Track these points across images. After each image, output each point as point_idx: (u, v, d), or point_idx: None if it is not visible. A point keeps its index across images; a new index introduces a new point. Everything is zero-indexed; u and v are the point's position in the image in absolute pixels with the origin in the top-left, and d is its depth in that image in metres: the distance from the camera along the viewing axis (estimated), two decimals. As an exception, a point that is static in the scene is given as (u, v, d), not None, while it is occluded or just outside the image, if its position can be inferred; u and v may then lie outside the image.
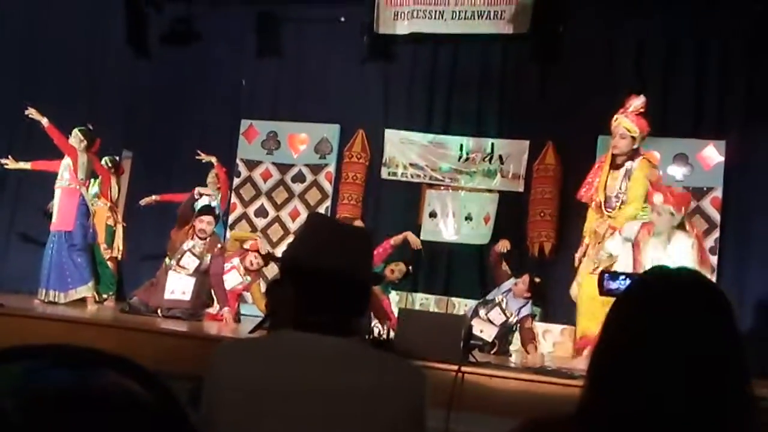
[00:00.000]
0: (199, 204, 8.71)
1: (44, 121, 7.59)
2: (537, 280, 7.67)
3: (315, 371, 1.70)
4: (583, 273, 6.42)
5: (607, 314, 1.41)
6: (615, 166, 6.51)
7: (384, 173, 9.53)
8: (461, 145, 9.30)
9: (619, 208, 6.41)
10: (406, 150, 9.47)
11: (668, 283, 1.39)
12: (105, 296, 8.13)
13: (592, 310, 5.96)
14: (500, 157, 9.15)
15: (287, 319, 1.85)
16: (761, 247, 7.99)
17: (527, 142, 9.05)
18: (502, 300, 7.48)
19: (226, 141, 9.91)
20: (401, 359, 1.80)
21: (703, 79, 8.52)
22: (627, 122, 6.39)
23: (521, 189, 9.06)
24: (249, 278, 7.95)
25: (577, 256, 6.61)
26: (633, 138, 6.39)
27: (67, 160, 7.68)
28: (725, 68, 8.43)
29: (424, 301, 8.92)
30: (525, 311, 7.49)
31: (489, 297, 7.64)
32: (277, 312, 1.93)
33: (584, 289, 6.23)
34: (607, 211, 6.45)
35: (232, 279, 7.82)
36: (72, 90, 9.55)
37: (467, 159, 9.27)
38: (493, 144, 9.19)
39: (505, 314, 7.43)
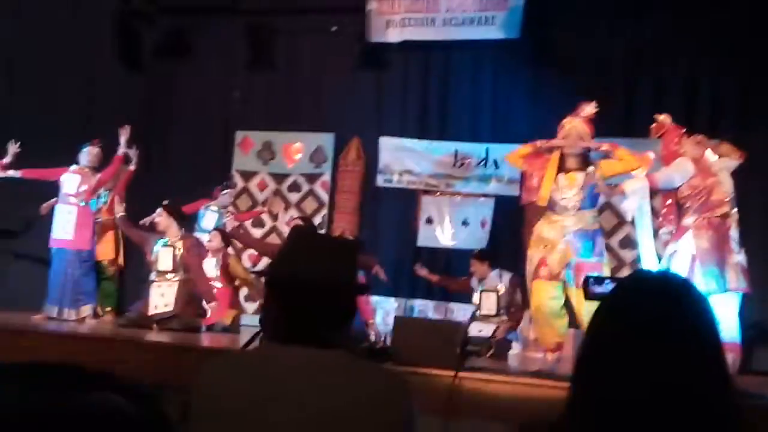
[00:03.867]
0: (201, 216, 8.69)
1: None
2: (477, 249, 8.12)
3: (298, 386, 1.70)
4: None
5: (592, 317, 1.43)
6: (564, 168, 6.44)
7: (379, 181, 9.53)
8: (456, 151, 9.31)
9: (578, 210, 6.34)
10: (401, 157, 9.47)
11: (650, 285, 1.41)
12: (108, 309, 8.12)
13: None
14: (495, 161, 9.15)
15: (274, 332, 1.85)
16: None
17: (522, 146, 9.06)
18: (482, 287, 7.75)
19: (220, 153, 9.91)
20: (384, 370, 1.80)
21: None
22: (582, 126, 6.43)
23: (517, 193, 9.05)
24: (219, 258, 7.87)
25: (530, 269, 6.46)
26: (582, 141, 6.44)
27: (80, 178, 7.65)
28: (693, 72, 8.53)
29: (422, 307, 8.92)
30: (506, 276, 7.72)
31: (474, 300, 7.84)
32: (267, 325, 1.94)
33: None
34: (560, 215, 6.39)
35: (209, 266, 7.77)
36: (66, 107, 9.47)
37: (462, 164, 9.28)
38: (487, 149, 9.20)
39: (495, 291, 7.67)
